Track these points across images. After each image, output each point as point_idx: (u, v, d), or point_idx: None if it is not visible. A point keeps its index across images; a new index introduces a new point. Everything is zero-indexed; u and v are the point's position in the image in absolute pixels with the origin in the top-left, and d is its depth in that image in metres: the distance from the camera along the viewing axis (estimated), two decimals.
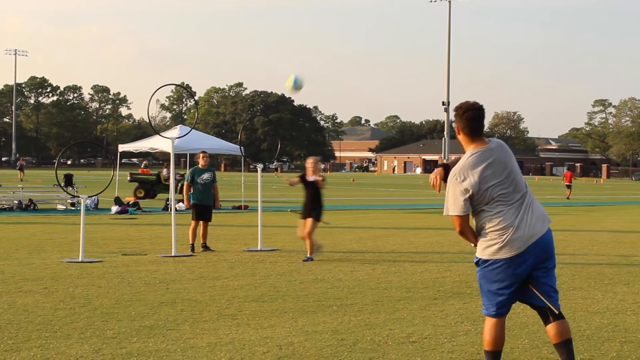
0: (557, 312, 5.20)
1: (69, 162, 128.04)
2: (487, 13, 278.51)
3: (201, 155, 14.13)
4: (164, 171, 30.89)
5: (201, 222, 13.53)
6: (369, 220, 21.97)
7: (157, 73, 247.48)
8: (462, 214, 5.18)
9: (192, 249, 13.15)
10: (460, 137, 5.33)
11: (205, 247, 13.40)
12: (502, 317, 5.27)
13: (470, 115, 5.23)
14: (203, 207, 13.57)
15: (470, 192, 5.13)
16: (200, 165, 13.87)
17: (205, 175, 13.67)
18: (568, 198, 39.43)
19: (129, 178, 30.81)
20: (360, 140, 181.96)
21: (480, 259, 5.24)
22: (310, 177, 12.51)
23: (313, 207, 12.45)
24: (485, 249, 5.19)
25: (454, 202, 5.18)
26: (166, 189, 27.64)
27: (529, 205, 5.17)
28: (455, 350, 6.44)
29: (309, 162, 12.68)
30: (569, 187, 41.32)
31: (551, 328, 5.20)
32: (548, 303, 5.17)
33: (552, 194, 45.58)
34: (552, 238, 5.25)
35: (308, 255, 12.31)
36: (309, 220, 12.39)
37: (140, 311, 7.91)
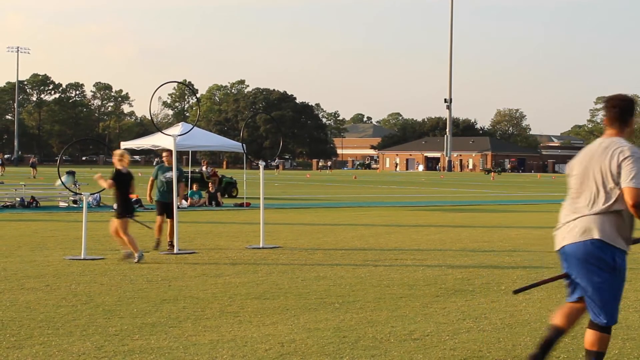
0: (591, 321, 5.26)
1: (65, 158, 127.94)
2: (489, 10, 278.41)
3: (164, 153, 14.15)
4: (204, 168, 32.43)
5: (167, 220, 13.46)
6: (371, 217, 21.96)
7: (159, 71, 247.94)
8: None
9: (157, 245, 13.11)
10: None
11: (171, 245, 13.20)
12: (570, 300, 5.38)
13: (609, 104, 5.23)
14: (165, 204, 13.49)
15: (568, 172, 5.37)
16: (166, 164, 13.83)
17: (169, 174, 13.54)
18: None
19: None
20: (362, 137, 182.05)
21: None
22: (121, 170, 11.93)
23: (127, 203, 12.00)
24: None
25: None
26: (206, 185, 28.38)
27: (583, 213, 5.12)
28: (457, 347, 6.44)
29: (115, 155, 12.09)
30: None
31: (586, 333, 5.33)
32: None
33: (555, 192, 45.52)
34: (581, 253, 5.10)
35: (135, 254, 11.47)
36: (124, 219, 11.85)
37: (143, 308, 7.91)
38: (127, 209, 11.98)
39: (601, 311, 5.16)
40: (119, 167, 11.97)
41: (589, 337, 5.23)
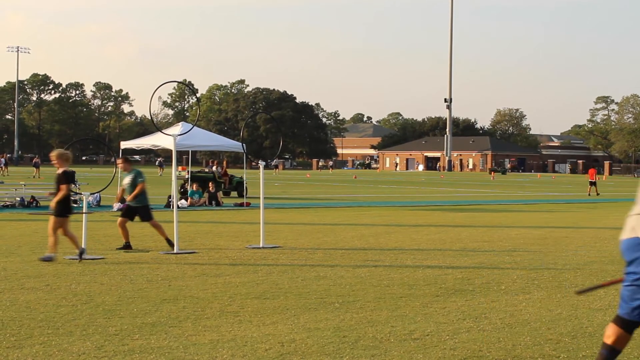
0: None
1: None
2: (489, 10, 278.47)
3: (117, 161, 14.12)
4: (214, 168, 32.81)
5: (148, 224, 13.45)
6: (371, 217, 21.97)
7: (159, 70, 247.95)
8: None
9: (124, 247, 13.03)
10: None
11: (171, 245, 13.07)
12: None
13: None
14: (130, 208, 13.38)
15: None
16: (123, 171, 13.74)
17: (126, 180, 13.48)
18: (592, 195, 39.05)
19: (187, 176, 30.91)
20: (362, 137, 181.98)
21: None
22: (67, 170, 11.95)
23: (69, 202, 12.01)
24: None
25: None
26: (219, 185, 28.45)
27: (631, 212, 5.22)
28: (457, 347, 6.44)
29: (52, 156, 12.04)
30: (592, 184, 40.53)
31: (608, 325, 5.30)
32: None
33: (555, 191, 45.54)
34: (624, 248, 5.21)
35: (47, 253, 11.68)
36: (63, 218, 11.95)
37: (143, 308, 7.92)
38: (68, 208, 12.01)
39: (628, 308, 5.18)
40: (65, 167, 11.93)
41: (609, 329, 5.22)
